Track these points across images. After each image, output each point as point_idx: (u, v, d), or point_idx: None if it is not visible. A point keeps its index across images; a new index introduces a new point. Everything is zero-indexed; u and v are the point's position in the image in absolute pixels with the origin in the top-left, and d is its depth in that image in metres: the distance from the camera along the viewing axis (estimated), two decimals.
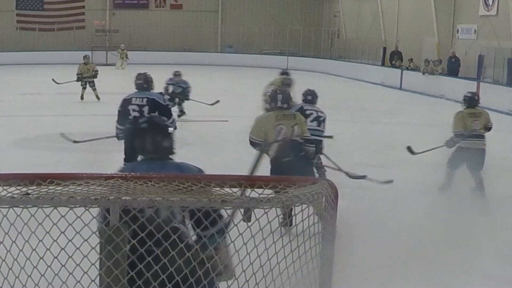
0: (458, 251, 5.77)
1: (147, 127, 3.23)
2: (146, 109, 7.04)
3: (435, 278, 5.23)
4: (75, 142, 8.65)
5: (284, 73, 13.18)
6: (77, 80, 16.91)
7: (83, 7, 33.07)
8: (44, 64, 26.72)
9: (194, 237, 2.85)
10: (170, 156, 3.27)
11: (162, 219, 2.51)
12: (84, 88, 16.84)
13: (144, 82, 7.41)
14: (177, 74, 14.35)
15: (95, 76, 17.00)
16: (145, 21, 34.29)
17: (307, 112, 8.03)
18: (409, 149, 9.26)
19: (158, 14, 34.99)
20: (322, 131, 8.15)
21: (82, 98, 16.78)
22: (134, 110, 7.12)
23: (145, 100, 7.15)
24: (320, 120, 8.08)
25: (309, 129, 7.91)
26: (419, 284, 5.08)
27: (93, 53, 30.60)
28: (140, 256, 2.44)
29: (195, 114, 14.01)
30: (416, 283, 5.05)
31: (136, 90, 7.50)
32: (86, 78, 16.90)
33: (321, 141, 8.12)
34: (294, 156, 6.17)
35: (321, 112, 8.21)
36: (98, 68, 17.71)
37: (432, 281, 5.18)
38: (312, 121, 7.99)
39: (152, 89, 7.53)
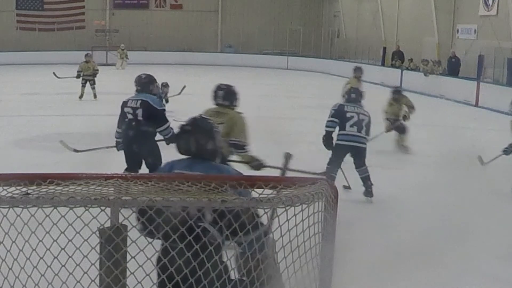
0: (459, 251, 5.76)
1: (191, 130, 3.19)
2: (139, 112, 6.81)
3: (435, 278, 5.22)
4: (75, 151, 8.29)
5: (358, 69, 13.03)
6: (76, 77, 17.02)
7: (83, 7, 33.07)
8: (44, 64, 26.69)
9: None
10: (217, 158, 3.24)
11: (190, 219, 2.53)
12: (83, 86, 16.94)
13: (138, 85, 7.13)
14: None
15: (94, 75, 17.11)
16: (145, 21, 34.30)
17: (348, 114, 7.51)
18: (480, 159, 9.03)
19: (158, 14, 35.00)
20: (364, 137, 7.53)
21: (81, 97, 16.85)
22: (128, 113, 6.88)
23: (139, 102, 6.87)
24: (361, 125, 7.46)
25: (347, 134, 7.48)
26: (419, 284, 5.07)
27: (93, 53, 30.59)
28: (168, 255, 2.47)
29: (194, 114, 13.95)
30: (416, 283, 5.04)
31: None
32: (86, 76, 17.00)
33: (362, 148, 7.54)
34: None
35: (364, 114, 7.59)
36: (98, 67, 17.81)
37: (432, 281, 5.18)
38: (352, 126, 7.46)
39: (150, 91, 7.15)
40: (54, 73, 17.27)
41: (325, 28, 35.31)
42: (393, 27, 28.48)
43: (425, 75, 22.46)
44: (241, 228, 2.52)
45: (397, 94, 10.99)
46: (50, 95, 17.26)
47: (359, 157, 7.52)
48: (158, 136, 7.00)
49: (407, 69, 24.71)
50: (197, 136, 3.15)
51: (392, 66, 26.48)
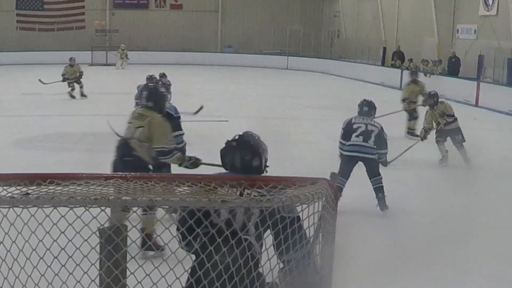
0: (458, 251, 5.77)
1: (236, 146, 3.16)
2: None
3: (435, 278, 5.23)
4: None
5: (413, 72, 12.83)
6: (62, 81, 17.31)
7: (83, 7, 33.08)
8: (44, 64, 26.70)
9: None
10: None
11: (235, 231, 2.56)
12: (73, 89, 17.29)
13: None
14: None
15: (80, 77, 17.41)
16: (145, 21, 34.32)
17: (355, 126, 7.29)
18: None
19: (158, 14, 35.01)
20: (372, 148, 7.21)
21: (73, 97, 17.17)
22: None
23: None
24: (369, 135, 7.20)
25: (352, 144, 7.23)
26: (419, 283, 5.08)
27: (93, 53, 30.67)
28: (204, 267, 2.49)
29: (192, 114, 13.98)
30: (417, 283, 5.05)
31: None
32: (70, 79, 17.31)
33: (371, 159, 7.22)
34: (119, 157, 5.65)
35: (374, 125, 7.32)
36: (83, 69, 18.11)
37: (432, 281, 5.18)
38: (357, 136, 7.21)
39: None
40: (40, 80, 17.44)
41: (325, 28, 35.33)
42: (393, 27, 28.49)
43: (425, 75, 22.46)
44: (292, 246, 2.55)
45: (430, 101, 10.25)
46: (50, 95, 17.28)
47: (369, 167, 7.25)
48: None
49: (407, 69, 24.70)
50: (243, 152, 3.13)
51: (392, 66, 26.49)
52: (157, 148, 5.66)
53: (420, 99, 12.52)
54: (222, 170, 3.20)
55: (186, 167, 5.90)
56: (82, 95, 17.32)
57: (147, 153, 5.64)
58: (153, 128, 5.68)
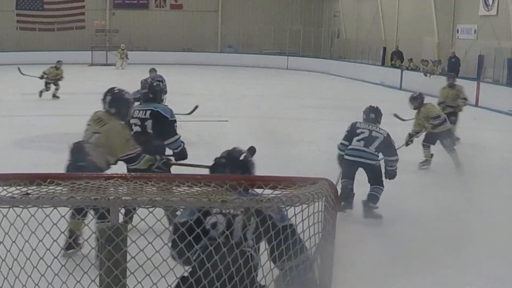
0: (458, 251, 5.77)
1: (226, 162, 3.16)
2: (149, 123, 6.15)
3: (435, 278, 5.23)
4: None
5: (451, 76, 12.46)
6: (39, 77, 17.27)
7: (83, 7, 33.08)
8: (44, 64, 26.64)
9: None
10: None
11: (234, 241, 2.59)
12: (47, 89, 17.28)
13: (149, 92, 6.47)
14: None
15: (59, 79, 17.38)
16: (145, 21, 34.30)
17: (358, 130, 7.13)
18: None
19: (158, 14, 35.00)
20: (373, 154, 7.07)
21: (40, 95, 17.06)
22: (135, 125, 6.17)
23: (148, 113, 6.20)
24: (372, 141, 7.05)
25: (353, 149, 7.08)
26: (419, 284, 5.08)
27: (93, 53, 30.65)
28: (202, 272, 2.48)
29: (194, 114, 13.97)
30: (416, 283, 5.05)
31: (142, 101, 6.62)
32: (49, 80, 17.30)
33: (372, 165, 7.06)
34: (73, 161, 5.41)
35: (377, 131, 7.17)
36: (65, 75, 18.01)
37: (432, 281, 5.18)
38: (359, 140, 7.05)
39: (161, 100, 6.58)
40: (18, 68, 17.46)
41: (325, 28, 35.31)
42: (393, 27, 28.48)
43: (425, 75, 22.47)
44: (285, 253, 2.54)
45: (415, 103, 9.78)
46: (50, 95, 17.28)
47: (370, 174, 7.11)
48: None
49: (407, 69, 24.72)
50: (232, 169, 3.13)
51: (392, 66, 26.49)
52: (123, 156, 5.46)
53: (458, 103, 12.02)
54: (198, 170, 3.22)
55: (158, 167, 5.68)
56: (54, 96, 17.27)
57: (102, 158, 5.40)
58: (113, 138, 5.43)
